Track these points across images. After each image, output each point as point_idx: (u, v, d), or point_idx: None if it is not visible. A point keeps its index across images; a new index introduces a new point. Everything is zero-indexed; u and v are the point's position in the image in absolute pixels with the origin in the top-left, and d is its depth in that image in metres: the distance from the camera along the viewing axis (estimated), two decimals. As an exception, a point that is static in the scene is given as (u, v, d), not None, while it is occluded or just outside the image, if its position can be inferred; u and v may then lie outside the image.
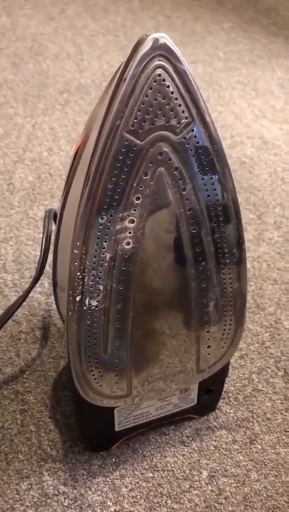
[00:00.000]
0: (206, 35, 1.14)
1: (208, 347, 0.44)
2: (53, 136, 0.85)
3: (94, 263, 0.37)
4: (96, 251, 0.37)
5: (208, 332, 0.43)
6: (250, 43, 1.13)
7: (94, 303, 0.38)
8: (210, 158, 0.37)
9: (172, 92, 0.34)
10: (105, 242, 0.37)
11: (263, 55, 1.09)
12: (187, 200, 0.38)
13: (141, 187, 0.36)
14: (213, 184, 0.38)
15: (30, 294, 0.55)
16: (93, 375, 0.41)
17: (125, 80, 0.33)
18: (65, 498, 0.46)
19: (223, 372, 0.49)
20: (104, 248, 0.37)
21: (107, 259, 0.37)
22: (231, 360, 0.53)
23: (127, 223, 0.37)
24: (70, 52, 1.05)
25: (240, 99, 0.97)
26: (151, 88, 0.34)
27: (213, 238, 0.40)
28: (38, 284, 0.56)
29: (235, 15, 1.22)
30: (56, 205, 0.73)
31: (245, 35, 1.15)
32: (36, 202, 0.73)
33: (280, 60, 1.08)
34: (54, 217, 0.54)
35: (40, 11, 1.17)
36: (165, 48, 0.33)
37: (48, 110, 0.90)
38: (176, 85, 0.34)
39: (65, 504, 0.45)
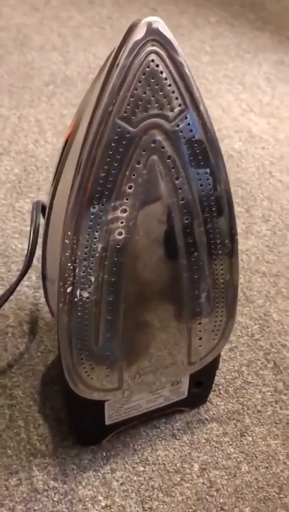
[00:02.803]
0: (192, 29, 1.14)
1: (200, 339, 0.44)
2: (39, 128, 0.84)
3: (85, 253, 0.36)
4: (87, 241, 0.36)
5: (199, 324, 0.43)
6: (237, 37, 1.13)
7: (85, 294, 0.38)
8: (203, 147, 0.36)
9: (166, 79, 0.34)
10: (97, 232, 0.36)
11: (249, 50, 1.09)
12: (180, 189, 0.37)
13: (133, 175, 0.35)
14: (206, 173, 0.37)
15: (18, 288, 0.54)
16: (84, 367, 0.41)
17: (118, 65, 0.33)
18: (55, 493, 0.45)
19: (214, 365, 0.49)
20: (95, 238, 0.36)
21: (99, 249, 0.37)
22: (221, 353, 0.53)
23: (119, 213, 0.36)
24: (56, 43, 1.04)
25: (227, 93, 0.97)
26: (144, 74, 0.33)
27: (205, 229, 0.39)
28: (25, 278, 0.55)
29: (221, 9, 1.22)
30: (43, 197, 0.72)
31: (232, 30, 1.15)
32: (22, 195, 0.72)
33: (266, 54, 1.08)
34: (42, 209, 0.53)
35: (25, 1, 1.15)
36: (159, 33, 0.33)
37: (33, 102, 0.89)
38: (170, 72, 0.34)
39: (56, 499, 0.45)
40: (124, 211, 0.36)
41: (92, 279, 0.37)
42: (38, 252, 0.49)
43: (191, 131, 0.36)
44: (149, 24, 0.32)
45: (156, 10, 1.18)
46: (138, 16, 1.12)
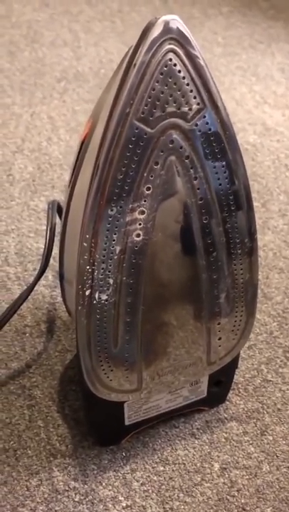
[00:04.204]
0: (204, 20, 1.12)
1: (219, 339, 0.43)
2: (52, 125, 0.83)
3: (103, 256, 0.36)
4: (105, 244, 0.36)
5: (218, 324, 0.43)
6: (250, 27, 1.11)
7: (104, 297, 0.37)
8: (222, 146, 0.36)
9: (184, 78, 0.33)
10: (115, 234, 0.36)
11: (262, 40, 1.07)
12: (198, 189, 0.37)
13: (151, 177, 0.35)
14: (225, 172, 0.37)
15: (35, 287, 0.54)
16: (103, 369, 0.41)
17: (135, 65, 0.32)
18: (76, 494, 0.45)
19: (233, 364, 0.48)
20: (114, 241, 0.36)
21: (117, 251, 0.36)
22: (240, 351, 0.52)
23: (137, 214, 0.36)
24: (67, 39, 1.03)
25: (241, 85, 0.95)
26: (162, 74, 0.32)
27: (224, 228, 0.39)
28: (42, 277, 0.55)
29: (234, -2, 1.20)
30: (57, 195, 0.72)
31: (244, 20, 1.13)
32: (37, 193, 0.72)
33: (280, 44, 1.06)
34: (58, 209, 0.53)
35: (35, -3, 1.15)
36: (177, 31, 0.32)
37: (45, 99, 0.88)
38: (188, 70, 0.33)
39: (76, 500, 0.45)
40: (142, 213, 0.36)
41: (111, 281, 0.37)
42: (55, 250, 0.49)
43: (210, 129, 0.35)
44: (166, 23, 0.32)
45: (166, 1, 1.17)
46: (149, 8, 1.11)
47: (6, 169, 0.75)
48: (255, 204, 0.72)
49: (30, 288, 0.52)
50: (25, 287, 0.56)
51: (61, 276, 0.48)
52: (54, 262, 0.56)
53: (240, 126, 0.86)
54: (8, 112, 0.85)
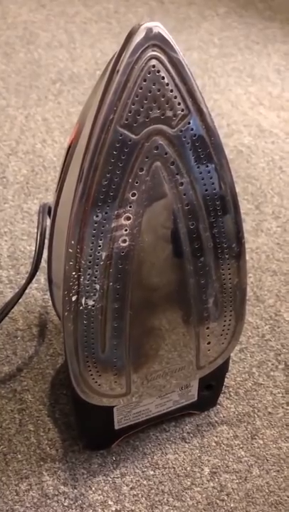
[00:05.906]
0: (200, 20, 1.12)
1: (208, 343, 0.43)
2: (47, 127, 0.83)
3: (89, 262, 0.36)
4: (91, 250, 0.36)
5: (207, 328, 0.43)
6: (246, 28, 1.11)
7: (90, 302, 0.37)
8: (207, 152, 0.36)
9: (167, 84, 0.33)
10: (101, 240, 0.36)
11: (258, 41, 1.07)
12: (184, 195, 0.37)
13: (136, 183, 0.35)
14: (211, 178, 0.37)
15: (26, 291, 0.54)
16: (91, 374, 0.41)
17: (118, 71, 0.32)
18: (65, 498, 0.45)
19: (224, 368, 0.48)
20: (99, 246, 0.36)
21: (103, 257, 0.36)
22: (231, 354, 0.52)
23: (122, 220, 0.36)
24: (62, 40, 1.03)
25: (236, 86, 0.95)
26: (145, 80, 0.32)
27: (211, 233, 0.39)
28: (33, 280, 0.55)
29: (230, -1, 1.19)
30: (51, 198, 0.71)
31: (241, 21, 1.13)
32: (30, 195, 0.72)
33: (276, 45, 1.06)
34: (48, 211, 0.53)
35: (31, -2, 1.15)
36: (159, 37, 0.32)
37: (40, 101, 0.88)
38: (171, 76, 0.33)
39: (66, 504, 0.45)
40: (128, 218, 0.36)
41: (97, 286, 0.37)
42: (46, 254, 0.49)
43: (195, 135, 0.35)
44: (149, 30, 0.32)
45: (163, 2, 1.17)
46: (145, 9, 1.11)
47: (0, 172, 0.75)
48: (248, 206, 0.73)
49: (21, 291, 0.52)
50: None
51: (50, 281, 0.48)
52: (46, 266, 0.56)
53: (235, 127, 0.86)
54: (2, 113, 0.85)
